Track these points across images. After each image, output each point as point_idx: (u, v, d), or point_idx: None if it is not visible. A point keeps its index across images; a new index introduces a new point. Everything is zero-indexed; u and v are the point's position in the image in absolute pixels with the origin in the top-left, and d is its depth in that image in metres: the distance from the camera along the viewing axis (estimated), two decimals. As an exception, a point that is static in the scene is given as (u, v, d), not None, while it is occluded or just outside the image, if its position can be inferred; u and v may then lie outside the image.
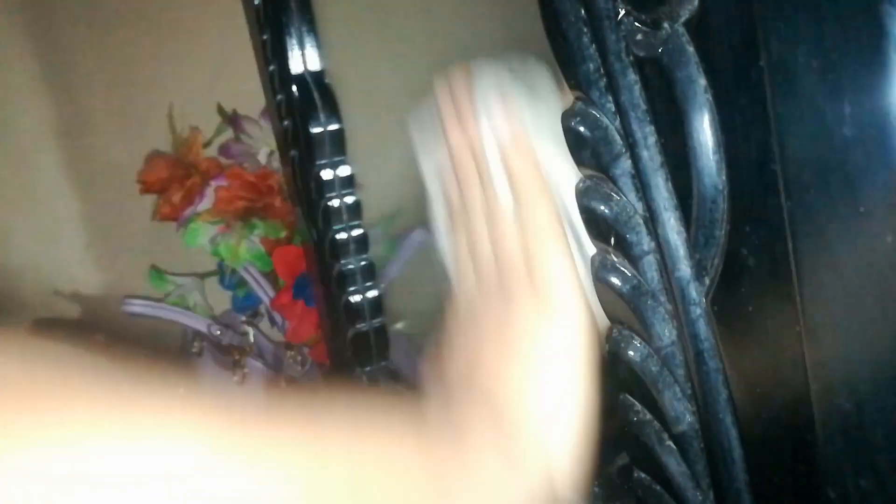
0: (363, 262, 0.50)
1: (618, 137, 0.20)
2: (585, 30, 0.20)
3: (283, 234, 0.70)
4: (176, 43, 0.78)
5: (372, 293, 0.50)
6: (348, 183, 0.49)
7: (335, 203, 0.48)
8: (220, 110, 0.74)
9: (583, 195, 0.22)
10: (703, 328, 0.20)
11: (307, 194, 0.51)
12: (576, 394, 0.23)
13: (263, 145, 0.71)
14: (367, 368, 0.51)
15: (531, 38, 0.23)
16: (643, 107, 0.20)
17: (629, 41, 0.19)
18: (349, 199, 0.49)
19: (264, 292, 0.69)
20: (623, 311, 0.21)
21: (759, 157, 0.17)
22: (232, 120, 0.72)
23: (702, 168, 0.18)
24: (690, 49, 0.18)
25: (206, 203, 0.68)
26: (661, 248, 0.20)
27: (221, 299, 0.74)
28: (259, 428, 0.19)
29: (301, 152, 0.50)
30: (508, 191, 0.24)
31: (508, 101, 0.24)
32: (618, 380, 0.23)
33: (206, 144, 0.73)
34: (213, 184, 0.68)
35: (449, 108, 0.25)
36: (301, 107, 0.48)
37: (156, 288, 0.73)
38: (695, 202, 0.18)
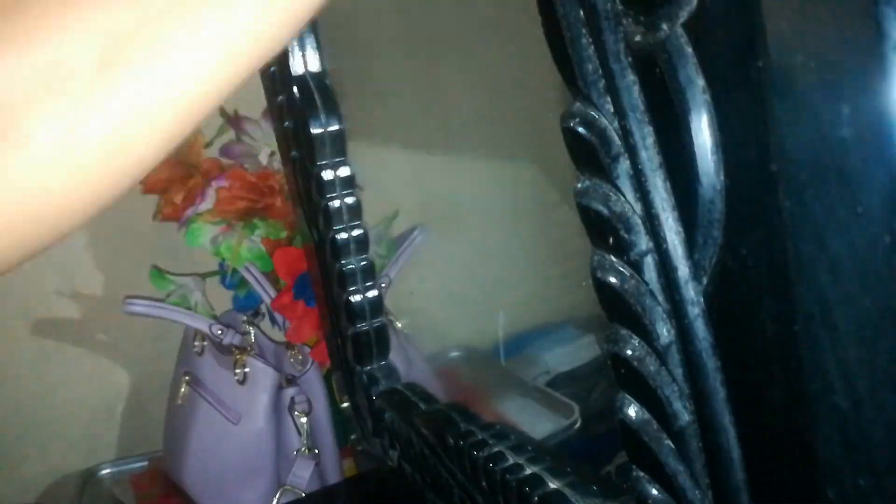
0: (363, 263, 0.50)
1: (617, 138, 0.20)
2: (584, 31, 0.20)
3: (284, 234, 0.70)
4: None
5: (372, 293, 0.50)
6: (348, 183, 0.49)
7: (335, 203, 0.48)
8: (222, 111, 0.74)
9: (582, 196, 0.22)
10: (701, 327, 0.20)
11: (308, 195, 0.51)
12: None
13: (264, 146, 0.71)
14: (367, 367, 0.51)
15: (529, 35, 0.23)
16: (642, 107, 0.20)
17: (628, 42, 0.19)
18: (349, 200, 0.49)
19: (265, 292, 0.69)
20: (622, 310, 0.22)
21: (757, 157, 0.17)
22: (233, 120, 0.72)
23: (700, 168, 0.18)
24: (689, 50, 0.18)
25: (207, 203, 0.68)
26: (660, 248, 0.20)
27: (223, 299, 0.74)
28: None
29: (302, 153, 0.50)
30: None
31: None
32: (617, 378, 0.23)
33: (208, 145, 0.73)
34: (215, 184, 0.68)
35: None
36: (302, 108, 0.48)
37: (157, 288, 0.73)
38: (693, 202, 0.19)
